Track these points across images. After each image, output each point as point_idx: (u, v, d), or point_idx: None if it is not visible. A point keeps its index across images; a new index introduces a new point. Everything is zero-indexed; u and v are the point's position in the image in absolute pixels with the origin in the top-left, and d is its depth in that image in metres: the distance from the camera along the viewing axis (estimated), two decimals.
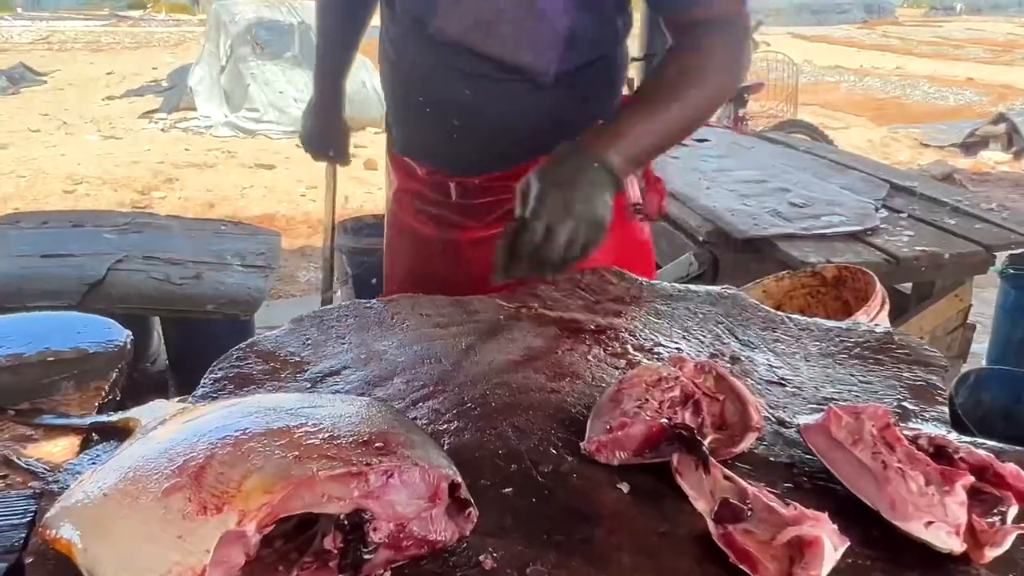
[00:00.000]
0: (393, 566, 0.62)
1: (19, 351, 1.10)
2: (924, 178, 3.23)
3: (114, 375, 1.06)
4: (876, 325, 1.09)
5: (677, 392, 0.83)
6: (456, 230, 1.42)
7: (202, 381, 0.97)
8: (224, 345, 1.05)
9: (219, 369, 0.98)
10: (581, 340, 1.04)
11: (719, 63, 1.24)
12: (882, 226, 2.43)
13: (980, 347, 3.51)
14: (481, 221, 1.38)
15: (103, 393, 1.02)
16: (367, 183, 6.33)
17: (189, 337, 2.87)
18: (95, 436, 0.92)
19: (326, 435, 0.64)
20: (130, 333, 1.16)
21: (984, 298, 3.52)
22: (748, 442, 0.79)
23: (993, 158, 8.31)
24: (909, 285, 2.57)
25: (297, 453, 0.62)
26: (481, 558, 0.63)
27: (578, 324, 1.08)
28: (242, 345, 1.04)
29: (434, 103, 1.40)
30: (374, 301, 1.18)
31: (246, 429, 0.66)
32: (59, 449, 0.89)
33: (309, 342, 1.05)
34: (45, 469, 0.84)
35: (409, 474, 0.62)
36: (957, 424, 0.93)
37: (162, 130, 9.05)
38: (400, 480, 0.62)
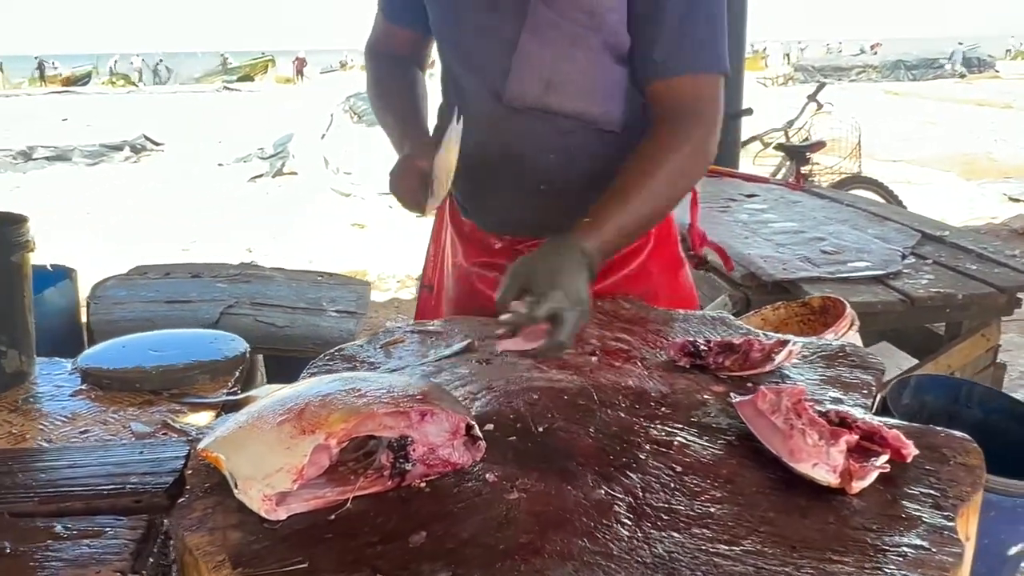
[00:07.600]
0: (427, 478, 0.91)
1: (172, 359, 1.43)
2: (957, 229, 3.38)
3: (237, 373, 1.40)
4: (836, 340, 1.33)
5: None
6: None
7: (300, 375, 1.28)
8: None
9: (313, 367, 1.30)
10: (585, 350, 1.31)
11: (681, 157, 1.32)
12: (905, 271, 2.63)
13: None
14: None
15: (228, 384, 1.36)
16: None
17: (287, 373, 3.26)
18: (223, 411, 1.25)
19: (384, 391, 0.94)
20: (248, 345, 1.51)
21: None
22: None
23: None
24: (943, 326, 2.74)
25: (365, 400, 0.92)
26: (487, 476, 0.92)
27: (583, 338, 1.35)
28: (331, 350, 1.35)
29: (519, 171, 1.46)
30: (435, 322, 1.49)
31: (330, 390, 0.96)
32: (200, 418, 1.23)
33: (379, 350, 1.36)
34: (192, 429, 1.18)
35: (438, 415, 0.92)
36: (888, 413, 1.17)
37: (267, 193, 9.79)
38: (432, 419, 0.92)
